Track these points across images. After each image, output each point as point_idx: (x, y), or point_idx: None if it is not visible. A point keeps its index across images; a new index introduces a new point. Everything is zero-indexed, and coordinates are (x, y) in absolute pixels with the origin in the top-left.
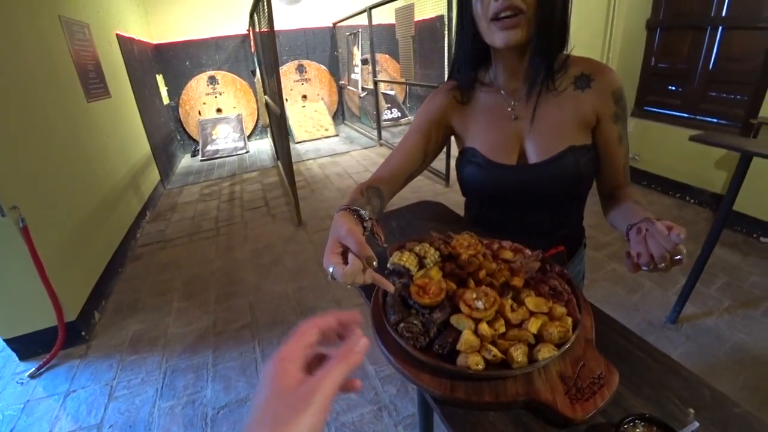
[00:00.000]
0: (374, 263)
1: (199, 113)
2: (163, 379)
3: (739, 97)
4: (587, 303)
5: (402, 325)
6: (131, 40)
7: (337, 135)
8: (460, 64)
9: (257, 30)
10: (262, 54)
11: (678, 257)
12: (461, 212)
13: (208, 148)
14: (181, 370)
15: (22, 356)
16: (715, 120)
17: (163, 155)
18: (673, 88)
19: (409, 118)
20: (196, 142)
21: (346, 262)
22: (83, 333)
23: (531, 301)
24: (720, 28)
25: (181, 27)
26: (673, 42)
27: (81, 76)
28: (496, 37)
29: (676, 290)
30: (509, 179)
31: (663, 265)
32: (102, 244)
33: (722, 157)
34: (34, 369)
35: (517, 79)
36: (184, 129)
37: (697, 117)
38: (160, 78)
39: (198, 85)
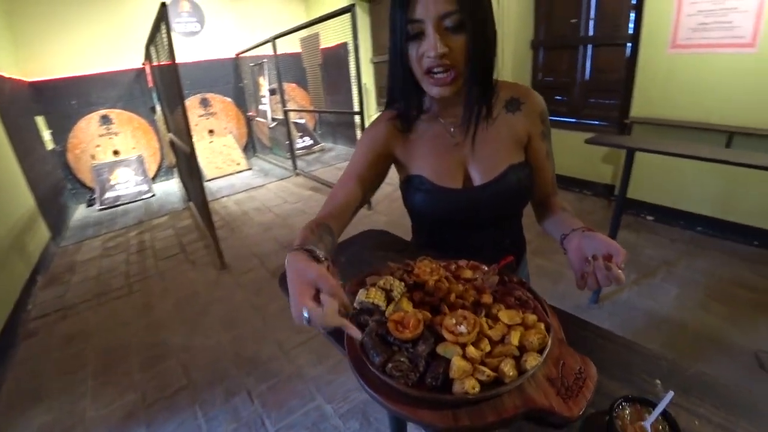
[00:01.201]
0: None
1: (93, 157)
2: None
3: (612, 101)
4: (549, 305)
5: (390, 365)
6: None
7: (250, 168)
8: (397, 95)
9: (154, 63)
10: (163, 88)
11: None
12: (392, 233)
13: (107, 195)
14: None
15: None
16: (597, 122)
17: (53, 208)
18: (560, 98)
19: (323, 145)
20: (91, 189)
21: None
22: None
23: (505, 314)
24: (589, 46)
25: (63, 62)
26: (554, 59)
27: None
28: (429, 89)
29: None
30: (458, 202)
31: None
32: None
33: (607, 153)
34: None
35: (453, 109)
36: (76, 176)
37: (582, 121)
38: (40, 120)
39: (89, 126)
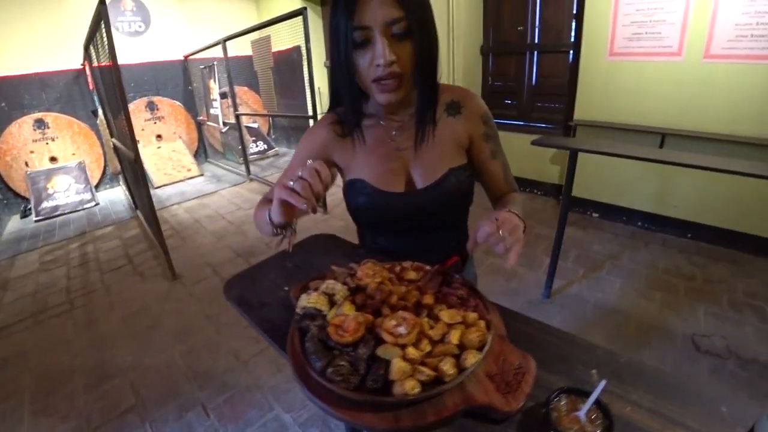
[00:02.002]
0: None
1: (27, 164)
2: None
3: (557, 105)
4: (491, 303)
5: (330, 369)
6: None
7: (201, 174)
8: (345, 102)
9: (95, 64)
10: (104, 91)
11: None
12: (348, 238)
13: (44, 205)
14: None
15: None
16: (543, 125)
17: None
18: (509, 101)
19: (277, 149)
20: (25, 199)
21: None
22: None
23: (446, 314)
24: (535, 52)
25: None
26: (502, 64)
27: None
28: (378, 97)
29: (544, 270)
30: (400, 206)
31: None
32: None
33: (554, 155)
34: None
35: (397, 114)
36: (7, 185)
37: (530, 124)
38: None
39: (21, 130)
